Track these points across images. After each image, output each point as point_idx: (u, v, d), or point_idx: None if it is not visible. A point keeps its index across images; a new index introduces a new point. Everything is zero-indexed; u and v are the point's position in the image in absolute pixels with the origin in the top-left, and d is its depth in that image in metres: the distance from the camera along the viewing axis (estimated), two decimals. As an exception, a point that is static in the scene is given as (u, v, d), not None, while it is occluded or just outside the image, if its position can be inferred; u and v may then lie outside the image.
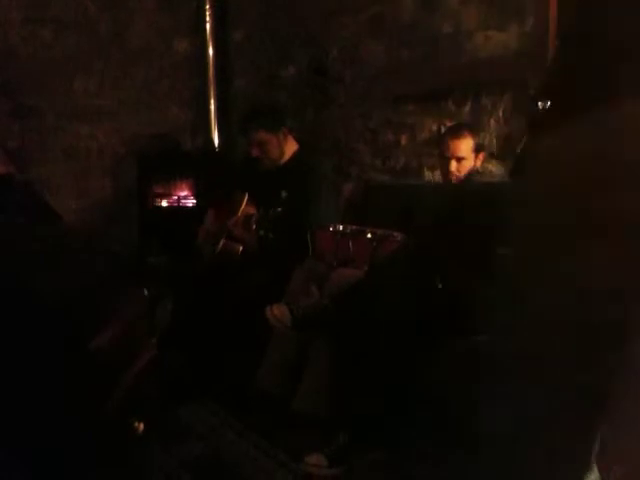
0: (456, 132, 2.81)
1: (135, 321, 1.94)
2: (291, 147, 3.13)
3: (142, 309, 2.06)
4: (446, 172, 2.74)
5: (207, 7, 4.47)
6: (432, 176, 3.36)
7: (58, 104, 4.36)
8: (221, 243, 3.03)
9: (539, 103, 1.64)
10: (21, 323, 1.42)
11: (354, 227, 2.66)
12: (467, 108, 3.16)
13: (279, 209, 2.86)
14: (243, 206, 3.00)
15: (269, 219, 2.88)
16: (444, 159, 2.74)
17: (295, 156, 3.13)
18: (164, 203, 4.49)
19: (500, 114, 3.00)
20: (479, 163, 2.76)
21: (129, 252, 4.35)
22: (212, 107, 4.54)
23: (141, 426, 1.80)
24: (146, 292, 2.01)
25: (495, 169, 2.96)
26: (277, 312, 2.24)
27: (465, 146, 2.73)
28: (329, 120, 4.06)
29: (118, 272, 3.61)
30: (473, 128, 2.85)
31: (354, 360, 2.27)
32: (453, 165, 2.70)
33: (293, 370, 2.54)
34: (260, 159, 3.10)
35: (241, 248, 2.99)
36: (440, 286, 2.21)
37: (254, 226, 2.91)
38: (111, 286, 1.95)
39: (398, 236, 2.52)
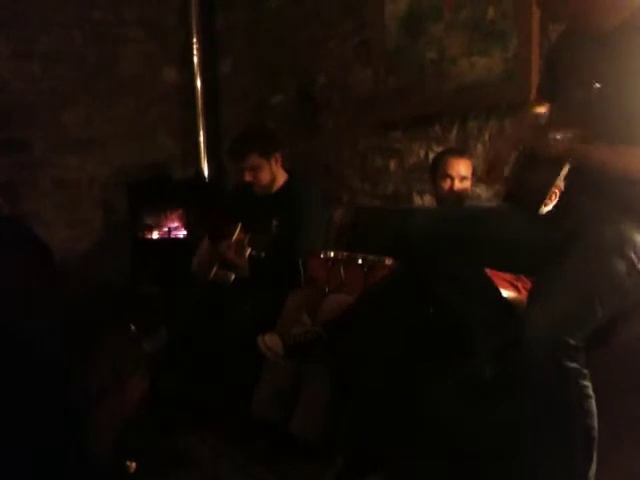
0: (457, 152, 2.87)
1: (124, 356, 1.93)
2: (282, 175, 3.13)
3: (131, 343, 2.05)
4: (444, 193, 2.77)
5: (195, 38, 4.52)
6: (422, 201, 3.38)
7: (47, 137, 4.39)
8: (214, 270, 3.03)
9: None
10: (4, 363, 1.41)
11: (345, 253, 2.67)
12: (454, 133, 3.19)
13: (271, 232, 2.89)
14: (236, 235, 3.00)
15: (261, 240, 2.89)
16: (444, 179, 2.77)
17: (286, 184, 3.13)
18: (155, 234, 4.49)
19: (486, 138, 3.03)
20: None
21: (121, 282, 4.33)
22: (201, 137, 4.58)
23: (133, 465, 1.77)
24: (133, 328, 2.00)
25: (483, 193, 2.99)
26: (269, 341, 2.24)
27: (466, 166, 2.78)
28: (318, 146, 4.09)
29: (109, 305, 3.60)
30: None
31: (348, 387, 2.27)
32: (456, 185, 2.75)
33: (288, 395, 2.53)
34: (251, 185, 3.08)
35: (233, 276, 2.99)
36: (431, 311, 2.21)
37: (248, 249, 2.91)
38: (101, 321, 1.94)
39: (389, 262, 2.53)
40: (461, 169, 2.78)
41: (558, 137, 1.70)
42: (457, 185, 2.76)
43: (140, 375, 1.93)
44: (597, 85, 1.71)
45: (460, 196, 2.76)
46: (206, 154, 4.59)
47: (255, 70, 4.54)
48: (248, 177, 3.05)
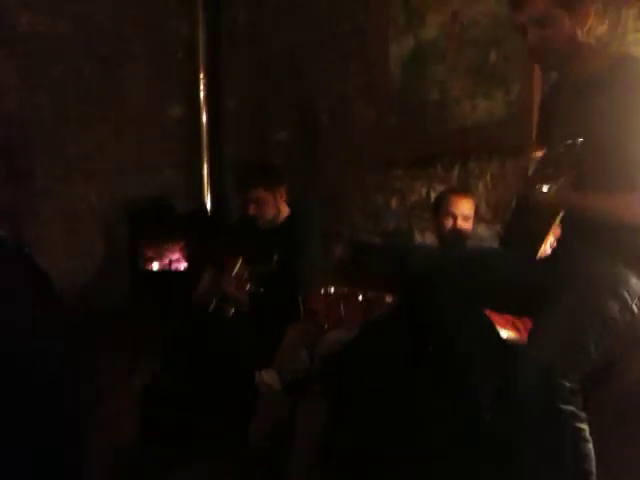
0: (461, 191, 2.89)
1: (116, 385, 1.92)
2: (285, 209, 3.15)
3: (124, 376, 2.04)
4: (446, 231, 2.77)
5: (201, 74, 4.58)
6: (423, 238, 3.39)
7: (51, 166, 4.41)
8: (213, 303, 3.03)
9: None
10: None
11: (345, 289, 2.67)
12: (455, 173, 3.22)
13: (272, 266, 2.88)
14: (237, 268, 3.00)
15: (261, 275, 2.89)
16: (447, 217, 2.78)
17: (288, 219, 3.14)
18: (155, 266, 4.49)
19: (488, 179, 3.05)
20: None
21: (120, 313, 4.32)
22: (205, 171, 4.61)
23: None
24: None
25: (485, 233, 3.00)
26: (266, 378, 2.24)
27: (470, 205, 2.80)
28: (320, 182, 4.12)
29: (104, 335, 3.59)
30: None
31: (345, 424, 2.25)
32: (459, 223, 2.76)
33: (284, 427, 2.51)
34: (255, 218, 3.09)
35: (233, 310, 2.98)
36: (431, 349, 2.21)
37: (248, 285, 2.91)
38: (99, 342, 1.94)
39: (389, 298, 2.53)
40: (464, 208, 2.79)
41: (544, 188, 1.73)
42: (459, 224, 2.77)
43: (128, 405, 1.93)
44: (581, 135, 1.73)
45: (462, 235, 2.77)
46: (209, 188, 4.62)
47: (260, 106, 4.60)
48: (252, 210, 3.06)
